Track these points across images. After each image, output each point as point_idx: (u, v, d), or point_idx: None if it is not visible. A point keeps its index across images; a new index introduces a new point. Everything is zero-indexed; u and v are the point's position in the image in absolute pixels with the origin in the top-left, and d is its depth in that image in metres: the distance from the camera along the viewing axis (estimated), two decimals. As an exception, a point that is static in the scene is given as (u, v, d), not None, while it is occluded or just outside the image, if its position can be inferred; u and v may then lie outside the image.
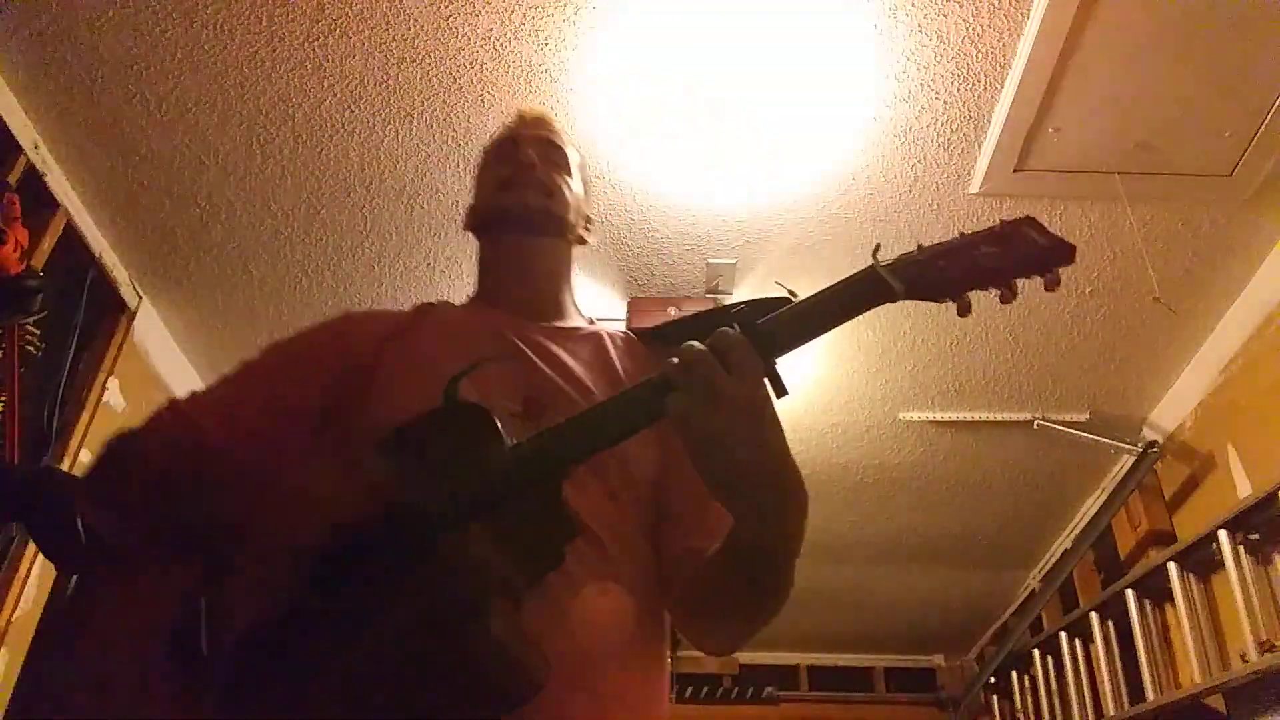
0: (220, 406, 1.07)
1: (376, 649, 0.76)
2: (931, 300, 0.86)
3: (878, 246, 0.86)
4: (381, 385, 1.05)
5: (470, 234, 1.28)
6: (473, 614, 0.76)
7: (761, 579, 0.90)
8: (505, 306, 1.18)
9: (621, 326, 1.24)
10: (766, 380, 0.83)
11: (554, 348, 1.11)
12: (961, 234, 0.86)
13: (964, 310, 0.85)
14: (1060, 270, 0.85)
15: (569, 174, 1.26)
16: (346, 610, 0.78)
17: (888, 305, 0.87)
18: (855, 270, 0.87)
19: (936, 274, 0.85)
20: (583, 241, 1.27)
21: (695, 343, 0.80)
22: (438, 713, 0.75)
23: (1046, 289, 0.85)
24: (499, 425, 0.85)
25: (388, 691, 0.75)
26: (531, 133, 1.27)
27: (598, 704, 0.90)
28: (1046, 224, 0.88)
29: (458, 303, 1.24)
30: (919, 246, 0.86)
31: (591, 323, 1.23)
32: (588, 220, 1.29)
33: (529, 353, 1.08)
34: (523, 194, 1.20)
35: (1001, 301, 0.85)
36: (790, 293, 0.87)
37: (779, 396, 0.84)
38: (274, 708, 0.77)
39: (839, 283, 0.86)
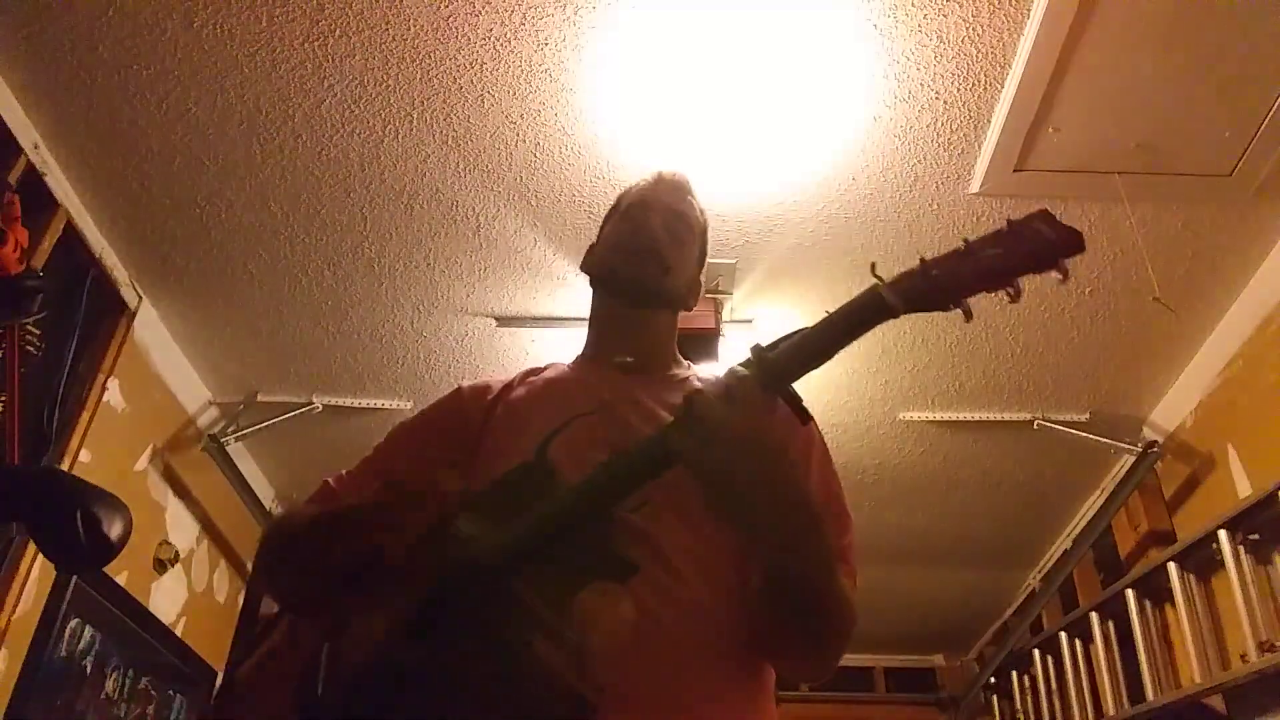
0: (356, 480, 1.16)
1: (448, 694, 0.82)
2: (931, 310, 0.86)
3: (874, 265, 0.88)
4: (487, 446, 1.12)
5: (584, 275, 1.32)
6: (520, 651, 0.81)
7: (797, 602, 0.93)
8: (608, 363, 1.22)
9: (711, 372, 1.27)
10: (788, 405, 0.85)
11: (646, 400, 1.14)
12: (966, 241, 0.86)
13: (968, 316, 0.85)
14: (1069, 261, 0.84)
15: (690, 246, 1.28)
16: (428, 657, 0.84)
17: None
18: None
19: (931, 284, 0.86)
20: (689, 307, 1.30)
21: (702, 382, 0.84)
22: None
23: (1060, 282, 0.84)
24: (557, 478, 0.90)
25: None
26: (665, 201, 1.28)
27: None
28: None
29: (568, 360, 1.30)
30: (921, 260, 0.87)
31: (689, 369, 1.26)
32: (699, 286, 1.32)
33: (621, 406, 1.11)
34: (642, 269, 1.22)
35: (1010, 301, 0.84)
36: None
37: (804, 423, 0.86)
38: None
39: (843, 306, 0.88)
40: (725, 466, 0.82)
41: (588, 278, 1.31)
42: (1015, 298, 0.84)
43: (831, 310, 0.90)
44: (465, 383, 1.25)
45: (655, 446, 0.88)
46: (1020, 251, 0.84)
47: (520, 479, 0.94)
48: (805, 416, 0.87)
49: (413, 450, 1.19)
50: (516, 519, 0.89)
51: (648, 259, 1.22)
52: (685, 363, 1.29)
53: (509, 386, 1.22)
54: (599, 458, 0.93)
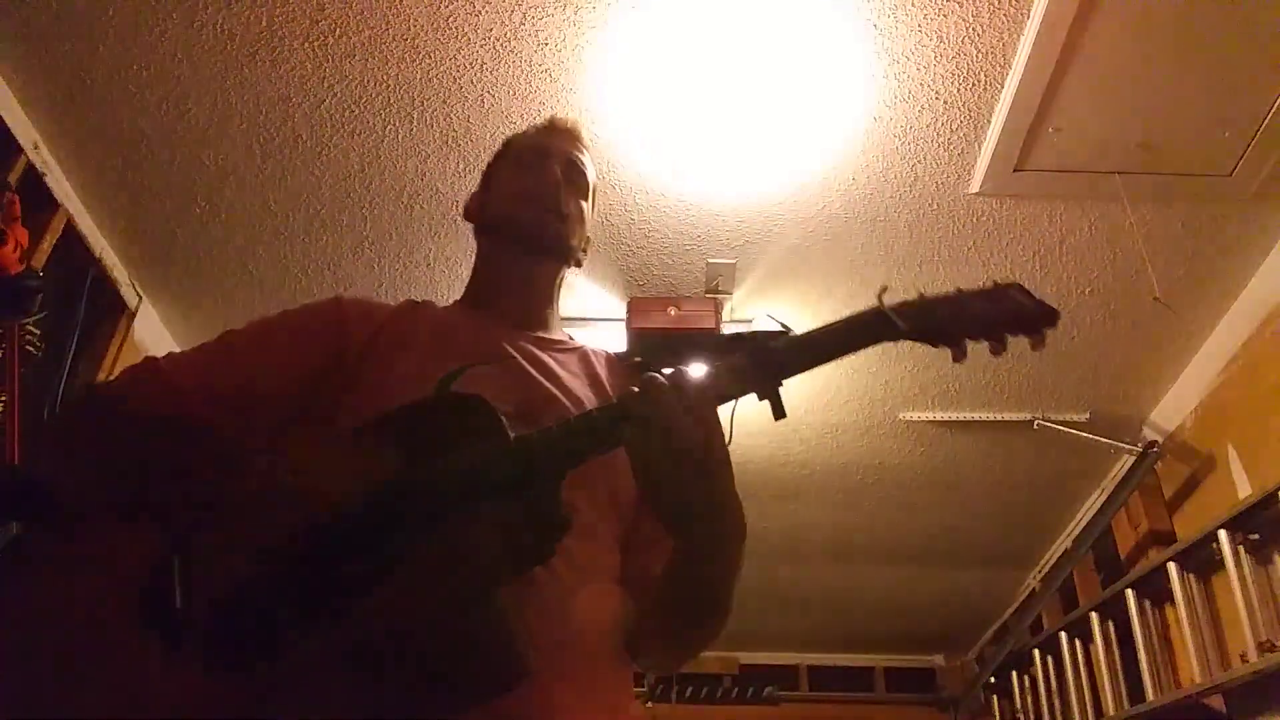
0: (201, 374, 1.04)
1: (368, 626, 0.77)
2: (930, 343, 0.92)
3: (884, 288, 0.93)
4: (372, 374, 1.05)
5: (469, 223, 1.28)
6: (474, 598, 0.77)
7: (697, 604, 0.95)
8: (494, 313, 1.18)
9: (601, 345, 1.25)
10: (768, 403, 0.87)
11: (544, 357, 1.12)
12: (959, 290, 0.95)
13: (959, 357, 0.92)
14: (1046, 331, 0.96)
15: (585, 198, 1.26)
16: (337, 584, 0.79)
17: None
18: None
19: (937, 320, 0.92)
20: (579, 263, 1.26)
21: (658, 375, 0.82)
22: (425, 694, 0.76)
23: (1033, 348, 0.95)
24: (503, 419, 0.86)
25: (377, 669, 0.76)
26: (561, 147, 1.26)
27: (579, 694, 0.91)
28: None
29: (443, 304, 1.23)
30: (920, 295, 0.93)
31: (571, 338, 1.24)
32: (588, 242, 1.29)
33: (520, 359, 1.09)
34: (541, 216, 1.19)
35: (992, 353, 0.94)
36: (784, 326, 0.94)
37: (777, 419, 0.87)
38: (257, 672, 0.77)
39: (847, 317, 0.92)
40: (673, 469, 0.82)
41: (474, 227, 1.26)
42: (998, 351, 0.94)
43: (802, 320, 0.92)
44: (346, 294, 1.17)
45: (601, 430, 0.85)
46: (1005, 313, 0.94)
47: (443, 411, 0.89)
48: (781, 413, 0.87)
49: (274, 348, 1.09)
50: (464, 452, 0.84)
51: (548, 208, 1.19)
52: (566, 332, 1.26)
53: (396, 313, 1.15)
54: (503, 407, 0.90)
